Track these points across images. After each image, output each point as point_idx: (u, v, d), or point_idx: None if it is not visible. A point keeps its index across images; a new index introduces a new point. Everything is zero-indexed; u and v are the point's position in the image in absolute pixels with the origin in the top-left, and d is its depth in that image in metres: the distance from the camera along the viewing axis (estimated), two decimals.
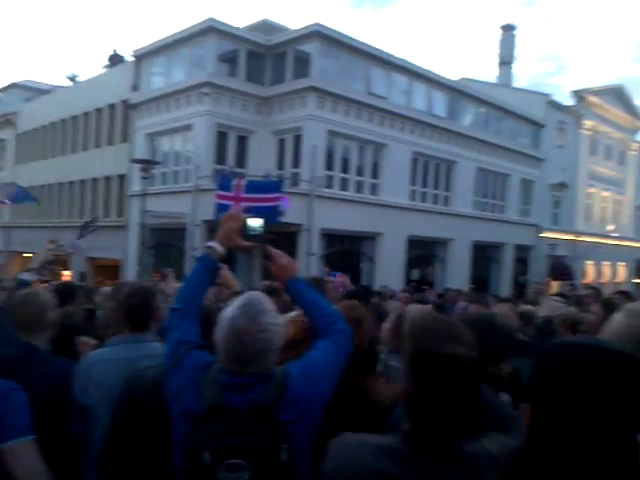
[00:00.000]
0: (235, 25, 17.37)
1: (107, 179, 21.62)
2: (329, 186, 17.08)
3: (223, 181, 13.81)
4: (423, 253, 20.70)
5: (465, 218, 21.28)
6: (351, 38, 17.32)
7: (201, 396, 1.58)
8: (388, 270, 17.79)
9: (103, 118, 21.97)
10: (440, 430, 1.18)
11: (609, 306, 3.06)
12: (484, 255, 23.59)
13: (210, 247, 2.02)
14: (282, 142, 17.40)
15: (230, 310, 1.66)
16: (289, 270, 2.06)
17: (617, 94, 30.31)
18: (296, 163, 16.86)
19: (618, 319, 1.30)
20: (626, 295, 6.53)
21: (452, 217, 20.76)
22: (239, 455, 1.42)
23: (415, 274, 19.65)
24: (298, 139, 16.72)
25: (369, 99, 17.77)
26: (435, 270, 21.06)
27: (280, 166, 17.35)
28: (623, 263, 32.07)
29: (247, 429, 1.49)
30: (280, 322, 1.72)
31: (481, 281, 22.88)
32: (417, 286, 12.67)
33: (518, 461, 1.12)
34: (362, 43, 17.62)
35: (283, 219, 14.05)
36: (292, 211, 14.78)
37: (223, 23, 16.83)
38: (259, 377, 1.61)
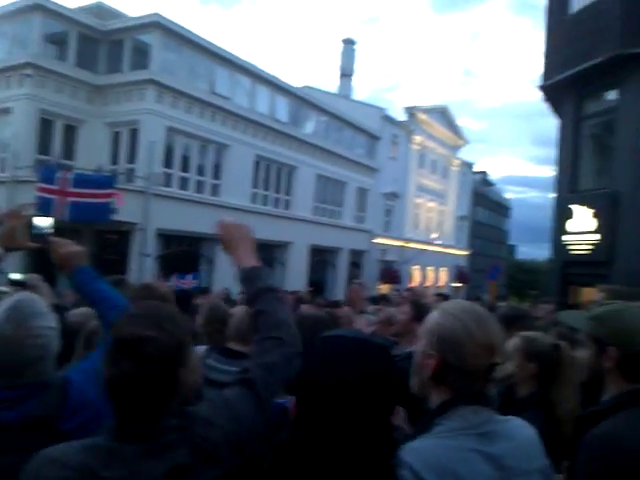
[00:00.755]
0: (66, 5, 16.02)
1: None
2: (167, 184, 16.48)
3: (46, 173, 12.57)
4: (263, 256, 20.78)
5: (304, 222, 21.92)
6: (195, 34, 16.95)
7: None
8: (227, 273, 17.51)
9: None
10: (135, 419, 1.15)
11: (417, 307, 3.30)
12: (321, 259, 24.50)
13: None
14: (117, 135, 16.41)
15: None
16: (73, 259, 1.86)
17: (442, 114, 33.55)
18: (132, 158, 16.00)
19: (433, 317, 1.37)
20: (443, 297, 7.68)
21: (292, 221, 21.25)
22: (10, 475, 1.26)
23: None
24: (135, 133, 15.88)
25: (212, 98, 17.51)
26: (273, 272, 21.32)
27: (114, 161, 16.34)
28: (445, 268, 35.44)
29: (18, 445, 1.35)
30: (54, 325, 1.54)
31: (318, 284, 23.74)
32: None
33: (283, 453, 1.11)
34: (207, 41, 17.34)
35: (115, 217, 13.22)
36: (126, 209, 13.95)
37: (51, 1, 15.41)
38: (34, 387, 1.46)
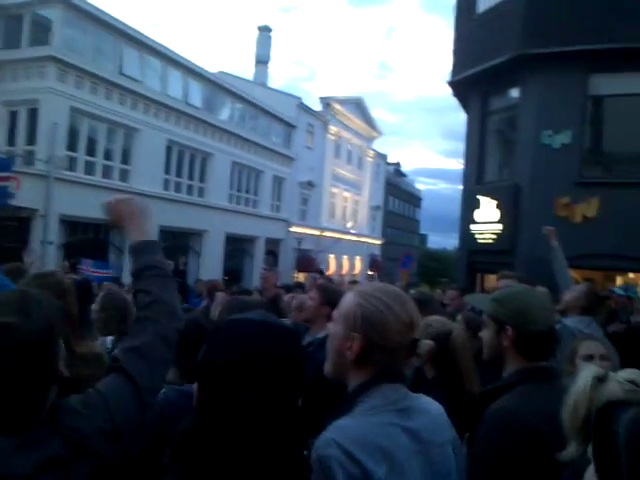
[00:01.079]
0: None
1: None
2: (71, 169, 15.56)
3: None
4: (177, 244, 20.31)
5: (220, 210, 21.54)
6: (102, 11, 16.04)
7: None
8: None
9: None
10: (2, 413, 1.07)
11: (325, 291, 3.32)
12: (238, 247, 24.24)
13: None
14: (14, 115, 15.23)
15: None
16: None
17: (357, 105, 34.09)
18: (31, 140, 14.93)
19: (350, 300, 1.38)
20: (355, 284, 7.83)
21: (207, 209, 20.81)
22: None
23: (169, 265, 19.14)
24: (34, 113, 14.82)
25: (120, 79, 16.67)
26: (187, 260, 20.81)
27: (11, 142, 15.16)
28: (359, 257, 36.23)
29: None
30: None
31: (234, 272, 23.49)
32: None
33: (187, 439, 1.06)
34: (114, 18, 16.46)
35: (13, 202, 12.33)
36: (25, 194, 13.06)
37: None
38: None
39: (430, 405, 1.41)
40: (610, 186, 9.00)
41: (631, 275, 9.63)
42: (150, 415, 1.33)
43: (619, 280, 9.75)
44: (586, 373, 1.41)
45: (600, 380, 1.38)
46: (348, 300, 1.38)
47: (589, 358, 2.61)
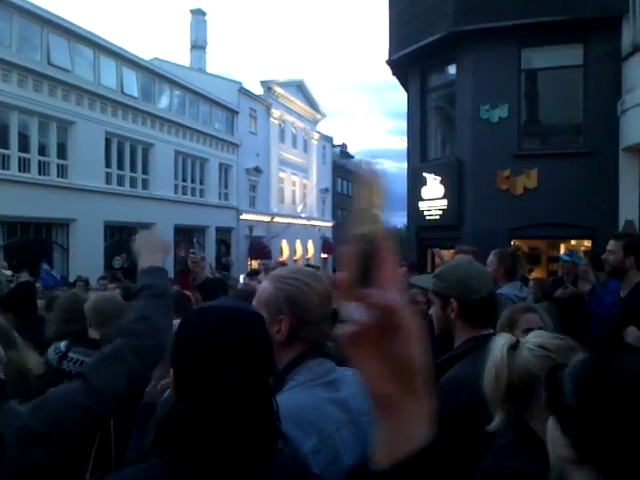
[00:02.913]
0: None
1: None
2: (4, 167, 14.83)
3: None
4: (124, 239, 19.77)
5: (166, 202, 21.07)
6: (25, 0, 15.17)
7: None
8: (85, 259, 16.40)
9: None
10: None
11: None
12: (188, 238, 23.81)
13: None
14: None
15: None
16: None
17: (299, 88, 33.86)
18: None
19: (267, 287, 1.46)
20: (313, 268, 7.88)
21: (152, 201, 20.32)
22: None
23: (117, 262, 18.62)
24: None
25: (48, 70, 15.88)
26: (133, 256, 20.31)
27: None
28: (312, 240, 36.31)
29: None
30: None
31: (186, 264, 23.07)
32: (114, 274, 11.87)
33: (167, 425, 1.07)
34: (39, 7, 15.60)
35: None
36: None
37: None
38: None
39: (355, 376, 1.47)
40: (548, 157, 9.33)
41: (573, 242, 10.06)
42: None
43: (562, 248, 10.17)
44: (499, 343, 1.46)
45: (513, 348, 1.44)
46: (265, 287, 1.45)
47: (528, 331, 2.70)
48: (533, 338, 1.47)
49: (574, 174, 8.82)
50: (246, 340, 1.07)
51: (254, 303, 1.47)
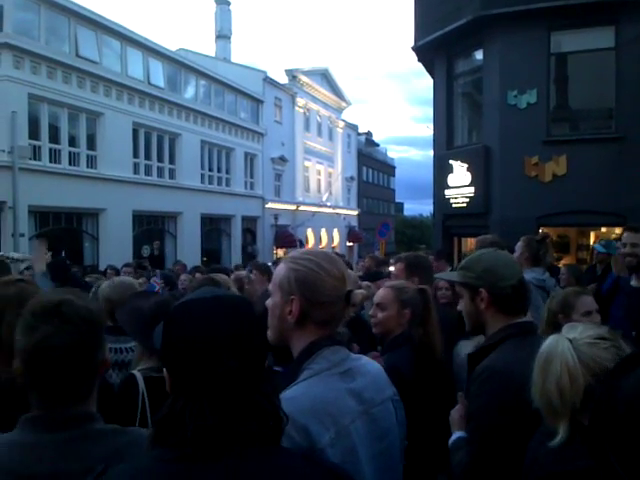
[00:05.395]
0: None
1: None
2: (36, 158, 15.16)
3: None
4: (152, 228, 20.09)
5: (193, 191, 21.28)
6: None
7: None
8: (114, 248, 16.72)
9: None
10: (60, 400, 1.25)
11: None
12: (214, 227, 24.07)
13: None
14: None
15: None
16: None
17: (324, 76, 33.69)
18: None
19: (282, 269, 1.45)
20: (339, 256, 7.92)
21: (179, 190, 20.54)
22: None
23: (145, 250, 18.96)
24: None
25: (77, 62, 16.12)
26: (163, 244, 20.62)
27: None
28: (337, 229, 36.29)
29: None
30: None
31: (213, 253, 23.37)
32: (140, 263, 12.06)
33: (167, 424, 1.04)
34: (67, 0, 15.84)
35: None
36: None
37: None
38: None
39: (370, 365, 1.50)
40: (577, 143, 9.13)
41: (603, 229, 9.83)
42: None
43: (592, 235, 9.96)
44: (557, 345, 1.38)
45: (572, 343, 1.35)
46: (280, 269, 1.44)
47: (588, 314, 2.65)
48: (584, 332, 1.40)
49: (605, 160, 8.61)
50: (234, 328, 1.03)
51: (270, 287, 1.48)
